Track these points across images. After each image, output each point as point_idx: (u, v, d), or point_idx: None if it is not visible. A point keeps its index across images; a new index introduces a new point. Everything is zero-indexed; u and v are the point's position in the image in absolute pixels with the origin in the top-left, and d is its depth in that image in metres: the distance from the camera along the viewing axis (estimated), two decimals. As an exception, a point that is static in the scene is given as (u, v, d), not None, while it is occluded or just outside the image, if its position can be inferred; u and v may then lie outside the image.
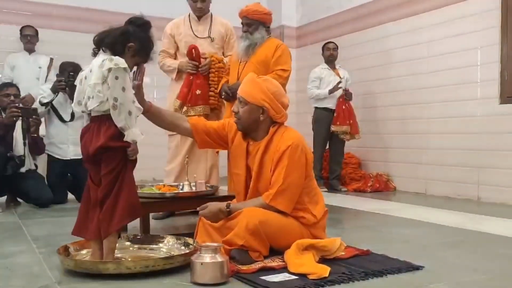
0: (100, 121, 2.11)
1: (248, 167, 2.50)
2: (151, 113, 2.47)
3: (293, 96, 7.27)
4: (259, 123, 2.43)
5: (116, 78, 2.04)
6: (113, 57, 2.08)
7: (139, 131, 2.13)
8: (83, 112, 2.18)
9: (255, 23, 3.58)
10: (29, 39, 5.37)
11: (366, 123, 5.96)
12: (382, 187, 5.55)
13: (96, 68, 2.08)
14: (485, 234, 3.11)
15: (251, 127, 2.45)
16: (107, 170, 2.12)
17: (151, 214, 3.52)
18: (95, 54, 2.18)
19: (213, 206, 2.41)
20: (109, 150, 2.10)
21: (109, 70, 2.04)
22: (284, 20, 7.39)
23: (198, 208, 2.46)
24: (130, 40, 2.15)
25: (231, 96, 3.55)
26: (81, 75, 2.18)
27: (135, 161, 2.19)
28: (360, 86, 5.97)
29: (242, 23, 3.63)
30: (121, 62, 2.07)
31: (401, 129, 5.64)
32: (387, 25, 5.84)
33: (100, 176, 2.15)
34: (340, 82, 5.52)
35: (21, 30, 5.43)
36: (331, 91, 5.52)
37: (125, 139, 2.10)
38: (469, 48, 4.86)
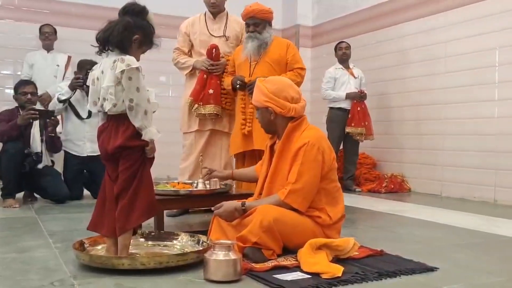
0: (118, 120, 2.12)
1: (270, 165, 2.53)
2: (235, 177, 2.95)
3: (308, 96, 7.26)
4: (273, 123, 2.51)
5: (130, 79, 2.06)
6: (124, 57, 2.08)
7: (156, 129, 2.14)
8: (99, 111, 2.20)
9: (262, 22, 3.60)
10: (47, 35, 5.45)
11: (381, 123, 5.92)
12: (397, 188, 5.51)
13: (108, 70, 2.09)
14: (501, 237, 3.07)
15: (271, 128, 2.55)
16: (124, 167, 2.14)
17: (165, 211, 3.56)
18: (100, 52, 2.17)
19: (228, 205, 2.42)
20: (128, 149, 2.12)
21: (122, 72, 2.05)
22: (300, 20, 7.37)
23: (213, 208, 2.47)
24: (135, 33, 2.14)
25: (245, 85, 3.60)
26: (92, 75, 2.19)
27: (152, 159, 2.21)
28: (375, 86, 5.95)
29: (247, 24, 3.63)
30: (132, 62, 2.07)
31: (416, 130, 5.60)
32: (403, 25, 5.80)
33: (118, 172, 2.17)
34: (361, 92, 5.54)
35: (40, 29, 5.51)
36: (348, 96, 5.51)
37: (142, 138, 2.11)
38: (487, 49, 4.80)
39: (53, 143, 4.48)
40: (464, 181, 4.99)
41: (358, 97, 5.53)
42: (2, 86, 5.89)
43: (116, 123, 2.13)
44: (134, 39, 2.15)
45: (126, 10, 2.17)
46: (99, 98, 2.15)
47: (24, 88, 4.45)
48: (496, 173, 4.70)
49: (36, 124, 4.32)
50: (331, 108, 5.71)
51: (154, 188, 2.98)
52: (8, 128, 4.20)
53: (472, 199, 4.87)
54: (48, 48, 5.51)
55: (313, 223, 2.38)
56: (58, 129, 4.60)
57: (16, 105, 4.51)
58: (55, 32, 5.53)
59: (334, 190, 2.49)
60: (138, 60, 2.17)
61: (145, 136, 2.12)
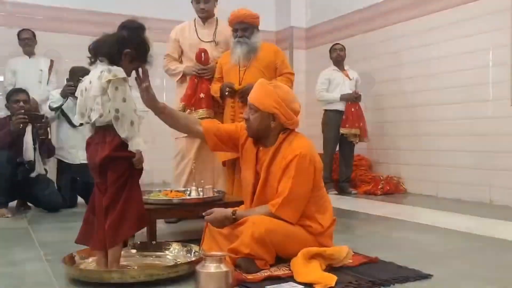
0: (105, 131, 2.11)
1: (256, 173, 2.48)
2: (166, 115, 2.47)
3: (303, 98, 7.23)
4: (270, 130, 2.42)
5: (116, 89, 2.04)
6: (111, 67, 2.06)
7: (142, 140, 2.12)
8: (87, 123, 2.17)
9: (250, 27, 3.60)
10: (27, 41, 5.36)
11: (376, 124, 5.90)
12: (393, 190, 5.49)
13: (95, 79, 2.07)
14: (497, 240, 3.04)
15: (262, 134, 2.44)
16: (113, 178, 2.12)
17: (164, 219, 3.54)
18: (91, 63, 2.16)
19: (218, 212, 2.39)
20: (115, 160, 2.10)
21: (109, 81, 2.03)
22: (293, 22, 7.36)
23: (203, 213, 2.44)
24: (127, 47, 2.13)
25: (236, 92, 3.57)
26: (81, 86, 2.17)
27: (141, 170, 2.19)
28: (369, 87, 5.91)
29: (236, 29, 3.61)
30: (119, 72, 2.05)
31: (411, 131, 5.58)
32: (396, 26, 5.79)
33: (106, 184, 2.14)
34: (356, 93, 5.53)
35: (18, 34, 5.40)
36: (342, 98, 5.49)
37: (129, 149, 2.09)
38: (480, 49, 4.78)
39: (46, 147, 4.45)
40: (460, 181, 4.98)
41: (352, 99, 5.51)
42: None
43: (103, 134, 2.11)
44: (125, 52, 2.13)
45: (124, 25, 2.18)
46: (86, 109, 2.12)
47: (17, 96, 4.41)
48: (491, 173, 4.68)
49: (28, 132, 4.29)
50: (326, 110, 5.68)
51: (147, 197, 3.00)
52: (1, 135, 4.17)
53: (468, 200, 4.85)
54: (30, 53, 5.43)
55: (305, 232, 2.35)
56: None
57: (8, 113, 4.48)
58: (35, 36, 5.43)
59: (322, 196, 2.45)
60: (129, 75, 2.15)
61: (132, 147, 2.09)
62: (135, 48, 2.15)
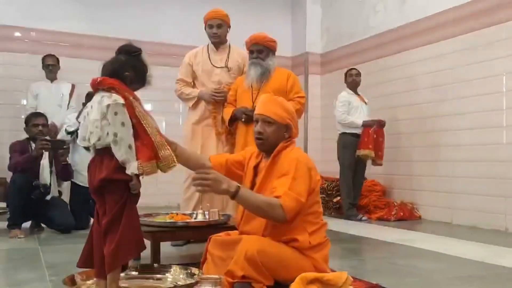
0: (103, 153, 2.15)
1: (253, 184, 2.46)
2: (176, 154, 2.38)
3: (318, 122, 7.27)
4: (281, 140, 2.44)
5: (115, 113, 2.09)
6: (112, 94, 2.12)
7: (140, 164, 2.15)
8: (87, 146, 2.22)
9: (266, 49, 3.69)
10: (51, 68, 5.52)
11: (391, 150, 5.86)
12: (407, 216, 5.42)
13: (96, 104, 2.13)
14: (506, 269, 2.98)
15: (273, 146, 2.44)
16: (111, 202, 2.14)
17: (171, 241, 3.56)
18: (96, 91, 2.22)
19: (219, 183, 2.20)
20: (113, 182, 2.13)
21: (108, 106, 2.09)
22: (309, 47, 7.44)
23: (196, 174, 2.28)
24: (125, 70, 2.20)
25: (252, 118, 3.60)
26: (84, 111, 2.24)
27: (138, 195, 2.21)
28: (384, 112, 5.90)
29: (251, 50, 3.70)
30: (119, 98, 2.11)
31: (426, 157, 5.53)
32: (411, 52, 5.79)
33: (105, 207, 2.17)
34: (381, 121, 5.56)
35: (43, 60, 5.57)
36: (364, 124, 5.47)
37: (126, 172, 2.12)
38: (494, 75, 4.75)
39: (66, 170, 4.54)
40: (475, 208, 4.89)
41: (379, 125, 5.51)
42: (19, 116, 5.96)
43: (102, 156, 2.16)
44: (124, 76, 2.20)
45: (121, 50, 2.25)
46: (87, 133, 2.18)
47: (36, 120, 4.52)
48: (506, 201, 4.59)
49: (46, 156, 4.38)
50: (344, 133, 5.61)
51: (153, 220, 3.04)
52: (22, 160, 4.27)
53: (484, 227, 4.75)
54: (52, 78, 5.58)
55: (298, 255, 2.32)
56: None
57: (27, 136, 4.60)
58: (58, 62, 5.59)
59: (318, 214, 2.43)
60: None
61: (129, 170, 2.13)
62: (134, 70, 2.22)
